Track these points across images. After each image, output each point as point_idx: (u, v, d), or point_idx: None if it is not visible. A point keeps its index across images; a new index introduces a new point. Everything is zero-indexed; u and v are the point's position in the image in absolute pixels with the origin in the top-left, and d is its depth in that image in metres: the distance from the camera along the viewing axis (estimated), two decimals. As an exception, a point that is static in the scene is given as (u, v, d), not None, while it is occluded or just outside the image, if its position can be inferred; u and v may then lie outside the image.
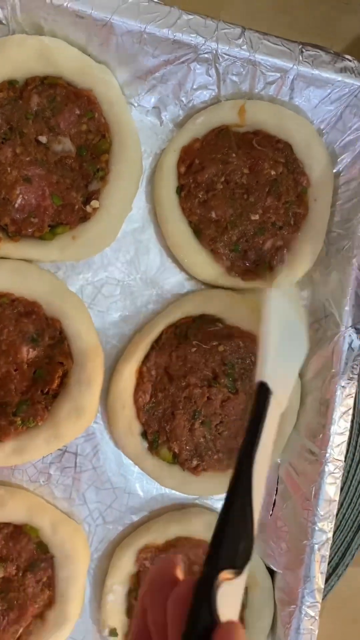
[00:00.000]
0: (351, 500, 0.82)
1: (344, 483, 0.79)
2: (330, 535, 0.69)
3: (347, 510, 0.82)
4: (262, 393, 0.48)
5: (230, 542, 0.38)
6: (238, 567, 0.37)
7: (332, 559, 0.81)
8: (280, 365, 0.52)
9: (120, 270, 0.70)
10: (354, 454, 0.82)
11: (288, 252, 0.71)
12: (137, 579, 0.68)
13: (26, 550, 0.64)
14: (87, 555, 0.67)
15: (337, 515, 0.71)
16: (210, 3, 0.74)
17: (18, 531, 0.64)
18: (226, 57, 0.64)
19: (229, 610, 0.35)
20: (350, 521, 0.82)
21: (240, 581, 0.37)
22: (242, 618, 0.71)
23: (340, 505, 0.80)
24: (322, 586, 0.68)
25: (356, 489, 0.82)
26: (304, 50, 0.66)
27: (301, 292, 0.75)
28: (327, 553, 0.70)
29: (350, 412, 0.69)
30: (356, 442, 0.81)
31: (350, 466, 0.81)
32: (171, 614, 0.35)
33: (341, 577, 0.81)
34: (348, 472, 0.81)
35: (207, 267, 0.69)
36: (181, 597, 0.35)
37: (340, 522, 0.82)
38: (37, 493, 0.68)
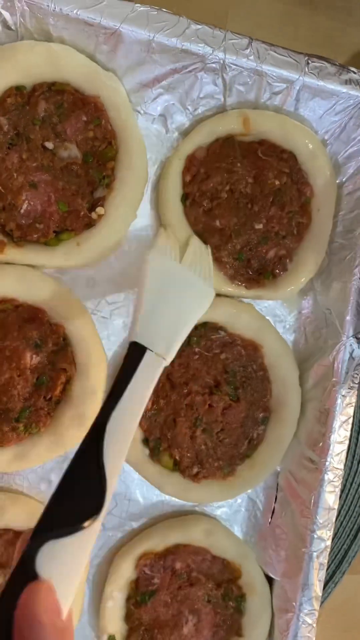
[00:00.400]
0: (349, 507, 0.82)
1: (342, 491, 0.80)
2: (328, 543, 0.70)
3: (344, 517, 0.82)
4: (133, 352, 0.49)
5: (66, 499, 0.36)
6: (74, 524, 0.35)
7: (329, 566, 0.82)
8: (159, 324, 0.53)
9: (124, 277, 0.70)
10: (352, 462, 0.82)
11: (290, 261, 0.72)
12: (136, 586, 0.68)
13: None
14: (86, 562, 0.67)
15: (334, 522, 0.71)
16: (216, 14, 0.74)
17: (18, 537, 0.64)
18: (233, 67, 0.64)
19: (57, 569, 0.33)
20: (347, 529, 0.82)
21: (74, 541, 0.35)
22: (240, 625, 0.71)
23: (338, 512, 0.81)
24: (320, 594, 0.68)
25: (354, 496, 0.83)
26: (309, 61, 0.66)
27: (302, 301, 0.76)
28: (326, 561, 0.70)
29: (350, 420, 0.70)
30: (355, 449, 0.82)
31: (349, 474, 0.82)
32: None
33: (338, 584, 0.82)
34: (346, 479, 0.82)
35: (211, 275, 0.69)
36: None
37: (338, 529, 0.82)
38: (37, 499, 0.67)
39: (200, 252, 0.65)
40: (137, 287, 0.56)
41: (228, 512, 0.75)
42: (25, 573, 0.32)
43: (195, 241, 0.66)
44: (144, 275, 0.55)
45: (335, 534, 0.81)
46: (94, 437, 0.40)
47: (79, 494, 0.36)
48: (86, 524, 0.35)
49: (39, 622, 0.29)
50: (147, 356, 0.49)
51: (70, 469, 0.37)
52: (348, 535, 0.82)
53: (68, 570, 0.34)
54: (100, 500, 0.37)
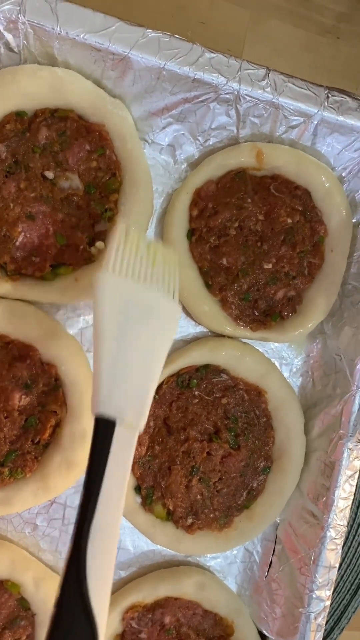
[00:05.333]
0: (350, 561, 0.78)
1: (343, 544, 0.76)
2: (327, 603, 0.66)
3: (345, 571, 0.78)
4: (101, 427, 0.41)
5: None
6: None
7: (328, 621, 0.78)
8: (125, 381, 0.44)
9: (123, 314, 0.66)
10: (356, 513, 0.78)
11: (300, 303, 0.68)
12: (122, 640, 0.65)
13: (6, 606, 0.61)
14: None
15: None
16: (233, 39, 0.71)
17: (1, 585, 0.61)
18: (248, 98, 0.61)
19: None
20: (348, 583, 0.78)
21: None
22: None
23: (339, 566, 0.77)
24: (317, 658, 0.64)
25: (356, 549, 0.78)
26: (329, 95, 0.62)
27: (311, 344, 0.72)
28: (324, 622, 0.66)
29: (356, 475, 0.66)
30: (359, 502, 0.78)
31: (352, 526, 0.78)
32: None
33: (335, 641, 0.78)
34: (349, 532, 0.78)
35: (215, 315, 0.66)
36: None
37: (338, 583, 0.78)
38: (21, 545, 0.64)
39: (161, 253, 0.53)
40: (94, 326, 0.47)
41: (222, 563, 0.71)
42: None
43: (153, 243, 0.54)
44: (98, 308, 0.46)
45: (334, 589, 0.77)
46: (74, 574, 0.35)
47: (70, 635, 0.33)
48: None
49: None
50: (119, 431, 0.42)
51: (55, 618, 0.34)
52: (348, 591, 0.78)
53: None
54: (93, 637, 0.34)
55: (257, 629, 0.70)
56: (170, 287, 0.51)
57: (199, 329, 0.69)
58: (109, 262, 0.49)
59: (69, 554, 0.36)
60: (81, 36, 0.56)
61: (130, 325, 0.47)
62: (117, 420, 0.42)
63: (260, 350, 0.69)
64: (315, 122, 0.63)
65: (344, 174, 0.67)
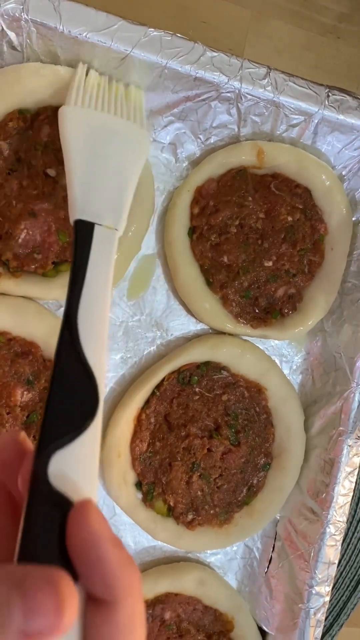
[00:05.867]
0: (349, 557, 0.79)
1: (343, 539, 0.76)
2: (327, 599, 0.66)
3: (344, 567, 0.78)
4: (80, 231, 0.45)
5: (60, 406, 0.33)
6: (76, 427, 0.32)
7: (327, 617, 0.78)
8: (99, 191, 0.48)
9: (124, 311, 0.67)
10: (355, 510, 0.78)
11: (300, 301, 0.68)
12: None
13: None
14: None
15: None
16: (234, 38, 0.71)
17: None
18: (249, 97, 0.61)
19: (80, 483, 0.30)
20: (347, 579, 0.79)
21: (81, 444, 0.32)
22: None
23: (339, 562, 0.77)
24: (316, 653, 0.65)
25: (355, 545, 0.79)
26: (330, 94, 0.63)
27: (311, 342, 0.72)
28: (323, 618, 0.67)
29: (356, 472, 0.66)
30: (358, 498, 0.78)
31: (351, 523, 0.78)
32: (24, 490, 0.30)
33: (335, 637, 0.78)
34: (348, 528, 0.78)
35: (216, 313, 0.66)
36: (27, 474, 0.30)
37: (337, 579, 0.78)
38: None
39: (123, 92, 0.58)
40: (63, 154, 0.50)
41: (222, 559, 0.71)
42: (48, 496, 0.29)
43: (115, 83, 0.58)
44: (65, 138, 0.50)
45: (333, 585, 0.77)
46: (67, 334, 0.37)
47: (70, 397, 0.33)
48: (87, 422, 0.33)
49: (102, 541, 0.26)
50: (97, 232, 0.44)
51: (54, 375, 0.34)
52: (348, 587, 0.78)
53: (85, 478, 0.31)
54: (93, 394, 0.34)
55: (257, 625, 0.70)
56: (136, 116, 0.55)
57: (200, 327, 0.69)
58: (71, 98, 0.53)
59: (62, 323, 0.37)
60: (84, 35, 0.56)
61: (99, 145, 0.50)
62: (95, 223, 0.45)
63: (260, 347, 0.70)
64: (316, 121, 0.63)
65: (344, 173, 0.68)
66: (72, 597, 0.24)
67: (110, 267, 0.43)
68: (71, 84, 0.55)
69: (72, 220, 0.47)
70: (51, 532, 0.27)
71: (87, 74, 0.57)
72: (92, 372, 0.35)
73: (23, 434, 0.34)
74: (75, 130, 0.51)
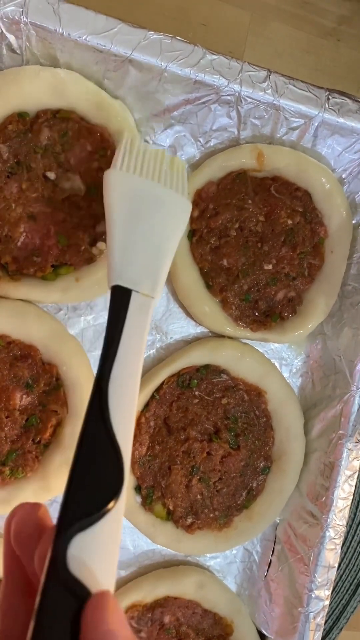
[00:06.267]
0: (349, 560, 0.78)
1: (343, 543, 0.76)
2: (326, 602, 0.66)
3: (344, 571, 0.78)
4: (118, 297, 0.44)
5: (85, 482, 0.31)
6: (100, 508, 0.30)
7: (327, 621, 0.78)
8: (139, 258, 0.47)
9: (124, 314, 0.66)
10: (355, 514, 0.78)
11: (300, 304, 0.68)
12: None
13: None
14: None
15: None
16: (234, 41, 0.71)
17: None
18: (249, 100, 0.61)
19: (99, 570, 0.28)
20: (347, 583, 0.78)
21: (103, 527, 0.30)
22: None
23: (338, 565, 0.77)
24: (316, 657, 0.65)
25: (355, 549, 0.79)
26: (330, 97, 0.62)
27: (311, 345, 0.72)
28: (323, 622, 0.66)
29: (356, 475, 0.66)
30: (358, 502, 0.78)
31: (351, 526, 0.78)
32: (40, 569, 0.29)
33: (334, 641, 0.78)
34: (348, 532, 0.78)
35: (215, 316, 0.66)
36: (45, 553, 0.29)
37: (337, 583, 0.78)
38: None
39: (168, 160, 0.57)
40: (105, 217, 0.49)
41: (222, 562, 0.71)
42: (65, 582, 0.28)
43: (160, 151, 0.57)
44: (109, 201, 0.49)
45: (333, 588, 0.77)
46: (96, 405, 0.36)
47: (95, 474, 0.32)
48: (111, 504, 0.31)
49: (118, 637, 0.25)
50: (135, 299, 0.44)
51: (80, 448, 0.33)
52: (347, 590, 0.78)
53: (105, 565, 0.30)
54: (119, 474, 0.33)
55: (256, 629, 0.70)
56: (179, 186, 0.54)
57: (200, 330, 0.69)
58: (117, 162, 0.52)
59: (93, 392, 0.36)
60: (83, 38, 0.56)
61: (141, 212, 0.49)
62: (133, 290, 0.44)
63: (260, 350, 0.69)
64: (316, 124, 0.63)
65: (344, 176, 0.67)
66: None
67: (144, 335, 0.42)
68: (118, 148, 0.54)
69: (110, 285, 0.46)
70: (65, 621, 0.26)
71: (132, 138, 0.57)
72: (119, 448, 0.34)
73: (44, 509, 0.32)
74: (119, 194, 0.49)
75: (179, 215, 0.52)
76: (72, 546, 0.29)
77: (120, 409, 0.36)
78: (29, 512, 0.31)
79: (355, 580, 0.78)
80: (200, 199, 0.65)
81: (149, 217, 0.49)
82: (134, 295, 0.44)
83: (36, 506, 0.32)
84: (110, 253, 0.48)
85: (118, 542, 0.31)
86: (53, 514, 0.64)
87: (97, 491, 0.31)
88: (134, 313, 0.43)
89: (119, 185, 0.50)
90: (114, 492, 0.32)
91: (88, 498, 0.31)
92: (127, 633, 0.25)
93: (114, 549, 0.31)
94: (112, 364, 0.38)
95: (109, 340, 0.40)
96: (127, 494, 0.64)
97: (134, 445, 0.64)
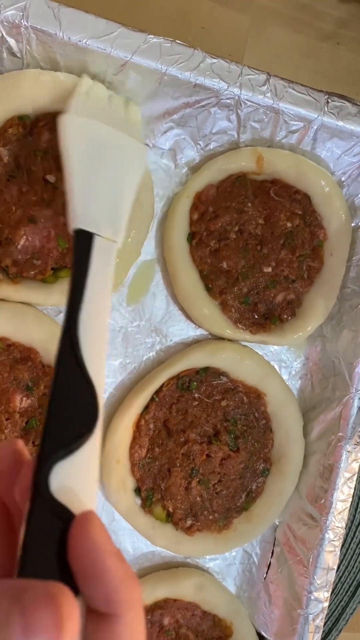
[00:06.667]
0: (348, 562, 0.79)
1: (342, 545, 0.77)
2: (326, 604, 0.66)
3: (343, 573, 0.78)
4: (80, 241, 0.45)
5: (62, 415, 0.32)
6: (77, 438, 0.32)
7: (326, 623, 0.78)
8: (99, 203, 0.48)
9: (124, 316, 0.67)
10: (354, 516, 0.78)
11: (299, 307, 0.69)
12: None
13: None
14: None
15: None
16: (234, 44, 0.71)
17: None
18: (249, 103, 0.61)
19: (81, 494, 0.30)
20: (346, 584, 0.79)
21: (82, 455, 0.32)
22: None
23: (337, 567, 0.78)
24: (315, 659, 0.65)
25: (354, 551, 0.79)
26: (329, 100, 0.63)
27: (310, 347, 0.73)
28: (322, 623, 0.67)
29: (355, 477, 0.66)
30: (357, 504, 0.78)
31: (350, 528, 0.78)
32: (22, 502, 0.30)
33: (333, 642, 0.78)
34: (347, 534, 0.78)
35: (215, 318, 0.66)
36: (25, 485, 0.30)
37: (336, 585, 0.78)
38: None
39: (122, 105, 0.59)
40: (63, 163, 0.50)
41: (221, 564, 0.71)
42: (49, 508, 0.29)
43: (115, 96, 0.59)
44: (65, 145, 0.50)
45: (332, 590, 0.78)
46: (68, 342, 0.37)
47: (71, 408, 0.33)
48: (88, 434, 0.33)
49: (105, 555, 0.26)
50: (97, 242, 0.45)
51: (54, 383, 0.34)
52: (346, 592, 0.78)
53: (86, 489, 0.31)
54: (94, 404, 0.34)
55: (256, 631, 0.70)
56: (134, 130, 0.55)
57: (199, 332, 0.69)
58: (72, 106, 0.53)
59: (62, 333, 0.37)
60: (84, 41, 0.56)
61: (98, 156, 0.51)
62: (94, 233, 0.45)
63: (259, 353, 0.70)
64: (315, 127, 0.63)
65: (343, 179, 0.68)
66: (72, 613, 0.23)
67: (109, 277, 0.43)
68: (74, 93, 0.56)
69: (72, 228, 0.47)
70: (52, 544, 0.27)
71: (89, 84, 0.58)
72: (92, 382, 0.35)
73: (21, 443, 0.34)
74: (75, 138, 0.51)
75: (135, 159, 0.54)
76: (54, 474, 0.30)
77: (91, 346, 0.37)
78: (6, 448, 0.32)
79: (354, 582, 0.79)
80: (200, 202, 0.65)
81: (106, 162, 0.51)
82: (96, 239, 0.45)
83: (13, 441, 0.33)
84: (71, 196, 0.49)
85: (97, 468, 0.33)
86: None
87: (74, 421, 0.33)
88: (98, 256, 0.44)
89: (75, 129, 0.51)
90: (91, 421, 0.33)
91: (66, 428, 0.32)
92: (112, 547, 0.26)
93: (94, 474, 0.33)
94: (79, 306, 0.39)
95: (74, 282, 0.41)
96: (127, 497, 0.65)
97: (133, 448, 0.65)
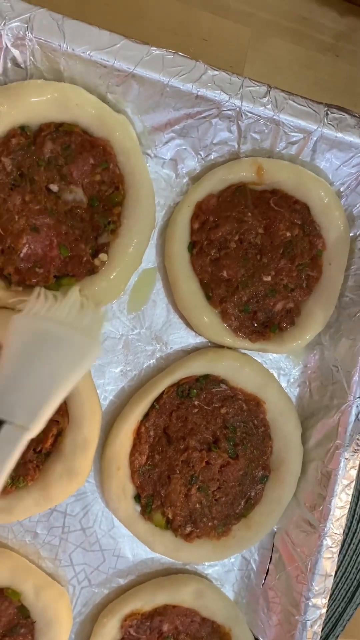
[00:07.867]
0: (345, 569, 0.79)
1: (339, 552, 0.77)
2: (323, 611, 0.67)
3: (340, 579, 0.79)
4: None
5: None
6: None
7: (323, 629, 0.78)
8: (22, 391, 0.51)
9: (125, 324, 0.67)
10: (351, 522, 0.79)
11: (298, 315, 0.69)
12: (120, 648, 0.65)
13: (6, 614, 0.61)
14: (69, 622, 0.64)
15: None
16: (234, 56, 0.72)
17: (1, 593, 0.61)
18: (249, 115, 0.62)
19: None
20: (343, 591, 0.79)
21: None
22: None
23: (335, 574, 0.78)
24: (313, 665, 0.65)
25: (351, 557, 0.79)
26: (329, 112, 0.64)
27: (309, 355, 0.73)
28: (320, 630, 0.67)
29: (353, 484, 0.67)
30: (354, 510, 0.79)
31: (347, 535, 0.79)
32: None
33: (331, 648, 0.78)
34: (344, 540, 0.79)
35: (215, 326, 0.67)
36: None
37: (333, 591, 0.79)
38: (21, 553, 0.64)
39: (81, 304, 0.59)
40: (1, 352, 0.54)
41: (220, 571, 0.72)
42: None
43: (75, 293, 0.59)
44: (7, 339, 0.53)
45: (330, 596, 0.78)
46: None
47: None
48: None
49: None
50: (5, 430, 0.48)
51: None
52: (343, 598, 0.79)
53: None
54: None
55: (254, 637, 0.70)
56: (92, 331, 0.56)
57: (199, 340, 0.70)
58: (29, 304, 0.56)
59: None
60: (87, 53, 0.57)
61: (38, 349, 0.53)
62: (6, 420, 0.49)
63: (259, 360, 0.70)
64: (315, 139, 0.64)
65: (342, 189, 0.69)
66: None
67: (7, 464, 0.47)
68: (34, 292, 0.57)
69: None
70: None
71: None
72: None
73: None
74: (18, 334, 0.53)
75: (82, 355, 0.54)
76: None
77: None
78: None
79: (352, 589, 0.79)
80: (200, 211, 0.66)
81: (47, 354, 0.53)
82: (5, 427, 0.49)
83: None
84: None
85: None
86: (52, 522, 0.64)
87: None
88: (2, 442, 0.48)
89: (21, 328, 0.54)
90: None
91: None
92: None
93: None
94: None
95: None
96: (127, 504, 0.65)
97: (133, 455, 0.65)
